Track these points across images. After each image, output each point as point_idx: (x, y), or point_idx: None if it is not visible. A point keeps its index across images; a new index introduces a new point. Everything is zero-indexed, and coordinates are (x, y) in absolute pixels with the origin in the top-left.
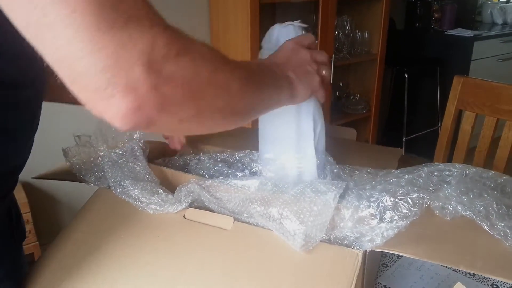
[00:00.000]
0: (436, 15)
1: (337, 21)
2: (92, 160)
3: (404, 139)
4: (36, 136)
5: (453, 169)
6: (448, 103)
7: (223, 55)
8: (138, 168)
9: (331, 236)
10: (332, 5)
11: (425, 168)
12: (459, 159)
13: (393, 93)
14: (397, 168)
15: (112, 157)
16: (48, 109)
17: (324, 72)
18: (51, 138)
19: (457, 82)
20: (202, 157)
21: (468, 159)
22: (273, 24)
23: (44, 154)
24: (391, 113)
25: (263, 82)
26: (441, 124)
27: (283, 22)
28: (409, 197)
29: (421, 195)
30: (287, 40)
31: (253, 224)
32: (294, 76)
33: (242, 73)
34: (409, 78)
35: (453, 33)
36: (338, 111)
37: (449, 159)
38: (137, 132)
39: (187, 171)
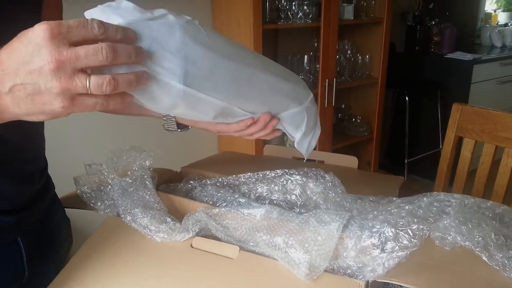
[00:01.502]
0: (435, 39)
1: (339, 45)
2: (102, 189)
3: (406, 161)
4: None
5: (452, 200)
6: (448, 130)
7: None
8: (147, 197)
9: (335, 266)
10: (334, 30)
11: (425, 199)
12: (459, 185)
13: (394, 116)
14: (398, 195)
15: (122, 186)
16: (58, 137)
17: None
18: (62, 166)
19: (456, 110)
20: (206, 182)
21: (469, 183)
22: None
23: (54, 181)
24: (393, 135)
25: None
26: (442, 146)
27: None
28: (409, 229)
29: (421, 226)
30: (40, 24)
31: (259, 253)
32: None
33: None
34: (410, 101)
35: (453, 57)
36: (340, 133)
37: (449, 184)
38: (147, 161)
39: (192, 197)
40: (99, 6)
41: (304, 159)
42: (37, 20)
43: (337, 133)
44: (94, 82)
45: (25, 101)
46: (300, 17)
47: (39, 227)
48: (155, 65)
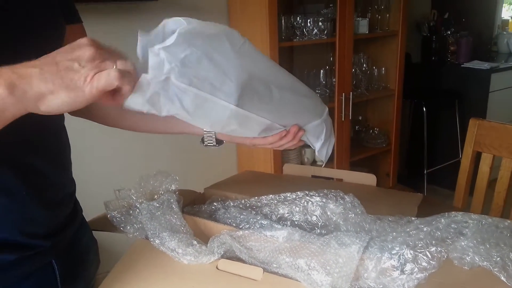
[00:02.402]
0: (452, 48)
1: (354, 58)
2: (131, 213)
3: (425, 171)
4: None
5: (470, 221)
6: (465, 145)
7: None
8: (174, 220)
9: (356, 287)
10: (349, 45)
11: (442, 220)
12: (479, 199)
13: (412, 126)
14: (417, 213)
15: (150, 210)
16: (88, 162)
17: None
18: (91, 190)
19: (473, 125)
20: (230, 204)
21: (489, 195)
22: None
23: (83, 205)
24: (411, 146)
25: None
26: (461, 159)
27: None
28: (428, 251)
29: (439, 248)
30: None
31: (282, 275)
32: (34, 69)
33: None
34: (427, 111)
35: (470, 66)
36: (358, 145)
37: (470, 194)
38: (173, 185)
39: (216, 219)
40: (178, 18)
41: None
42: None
43: (355, 145)
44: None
45: (54, 76)
46: (315, 33)
47: (70, 249)
48: (215, 90)
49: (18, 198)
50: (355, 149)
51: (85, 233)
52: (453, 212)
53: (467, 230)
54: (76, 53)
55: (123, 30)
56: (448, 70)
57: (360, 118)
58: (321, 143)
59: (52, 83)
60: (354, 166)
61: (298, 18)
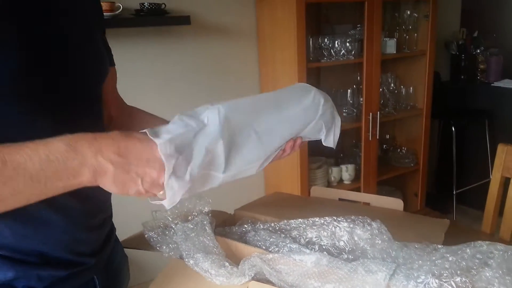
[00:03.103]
0: (481, 67)
1: (382, 78)
2: (166, 233)
3: (454, 192)
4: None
5: (495, 251)
6: (494, 170)
7: None
8: (207, 241)
9: None
10: (376, 65)
11: (468, 250)
12: (507, 225)
13: (441, 146)
14: (444, 238)
15: (185, 231)
16: None
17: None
18: (128, 210)
19: (502, 151)
20: (259, 227)
21: None
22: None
23: (120, 224)
24: (440, 166)
25: (29, 178)
26: (490, 185)
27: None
28: (453, 281)
29: (464, 279)
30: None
31: None
32: (111, 170)
33: None
34: (456, 130)
35: (500, 85)
36: (385, 164)
37: (498, 220)
38: (206, 207)
39: (246, 241)
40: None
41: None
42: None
43: (382, 164)
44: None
45: (121, 183)
46: (343, 54)
47: (108, 265)
48: (209, 168)
49: (72, 221)
50: (382, 168)
51: (118, 250)
52: (479, 242)
53: (492, 261)
54: (145, 169)
55: (157, 52)
56: (478, 89)
57: (388, 137)
58: (324, 134)
59: (117, 188)
60: (382, 185)
61: (325, 39)
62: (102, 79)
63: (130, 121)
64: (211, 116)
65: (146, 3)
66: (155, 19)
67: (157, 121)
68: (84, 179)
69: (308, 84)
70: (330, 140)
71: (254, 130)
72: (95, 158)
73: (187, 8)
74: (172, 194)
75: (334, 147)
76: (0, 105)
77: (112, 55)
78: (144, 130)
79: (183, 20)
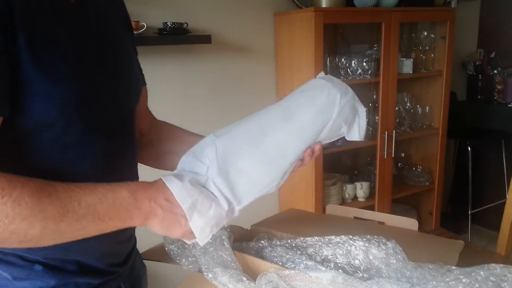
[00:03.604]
0: (498, 87)
1: (398, 97)
2: (186, 247)
3: (470, 212)
4: None
5: (508, 274)
6: (509, 192)
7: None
8: (225, 256)
9: None
10: (392, 85)
11: (481, 272)
12: None
13: (457, 165)
14: (459, 259)
15: (204, 245)
16: None
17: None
18: None
19: None
20: (276, 243)
21: None
22: None
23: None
24: (456, 185)
25: (93, 217)
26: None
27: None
28: None
29: None
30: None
31: None
32: (160, 212)
33: (50, 223)
34: (472, 151)
35: None
36: (400, 183)
37: None
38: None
39: (262, 257)
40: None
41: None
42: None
43: (397, 182)
44: None
45: (167, 226)
46: (360, 73)
47: (131, 273)
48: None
49: (109, 235)
50: (397, 186)
51: (138, 259)
52: (492, 264)
53: (506, 283)
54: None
55: (179, 69)
56: (495, 109)
57: (403, 155)
58: (346, 129)
59: (163, 229)
60: (396, 203)
61: (342, 58)
62: (138, 100)
63: (159, 136)
64: (211, 155)
65: (169, 22)
66: (177, 38)
67: (185, 136)
68: (138, 221)
69: (322, 79)
70: (355, 133)
71: (261, 153)
72: (149, 204)
73: (208, 27)
74: (200, 231)
75: (362, 139)
76: (53, 131)
77: (143, 75)
78: (160, 178)
79: (204, 39)
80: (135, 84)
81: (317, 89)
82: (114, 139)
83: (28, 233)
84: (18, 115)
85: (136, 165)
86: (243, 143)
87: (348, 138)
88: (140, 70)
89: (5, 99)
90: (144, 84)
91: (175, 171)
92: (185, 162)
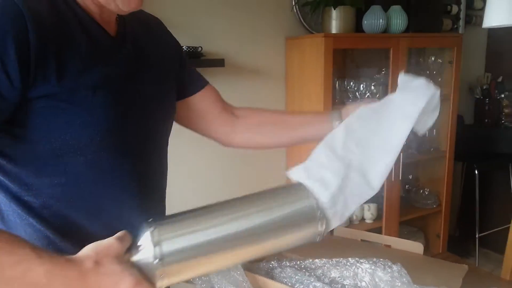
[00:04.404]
0: (506, 111)
1: None
2: None
3: (477, 235)
4: None
5: None
6: None
7: None
8: (237, 276)
9: None
10: None
11: None
12: None
13: (464, 188)
14: (464, 283)
15: None
16: None
17: None
18: None
19: None
20: (286, 264)
21: None
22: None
23: None
24: (463, 208)
25: None
26: (510, 228)
27: None
28: None
29: None
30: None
31: None
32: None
33: None
34: (480, 174)
35: None
36: (408, 205)
37: None
38: None
39: (272, 277)
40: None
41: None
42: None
43: (405, 205)
44: None
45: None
46: (368, 96)
47: None
48: None
49: None
50: (405, 208)
51: None
52: (503, 275)
53: None
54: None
55: None
56: (502, 133)
57: (411, 177)
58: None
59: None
60: (404, 225)
61: (351, 82)
62: (172, 117)
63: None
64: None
65: (184, 46)
66: (192, 61)
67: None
68: None
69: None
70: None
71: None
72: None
73: (222, 51)
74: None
75: (422, 132)
76: (85, 155)
77: (202, 77)
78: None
79: (218, 62)
80: (169, 111)
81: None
82: (142, 163)
83: None
84: (52, 138)
85: (165, 187)
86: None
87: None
88: (196, 75)
89: None
90: (203, 85)
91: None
92: None
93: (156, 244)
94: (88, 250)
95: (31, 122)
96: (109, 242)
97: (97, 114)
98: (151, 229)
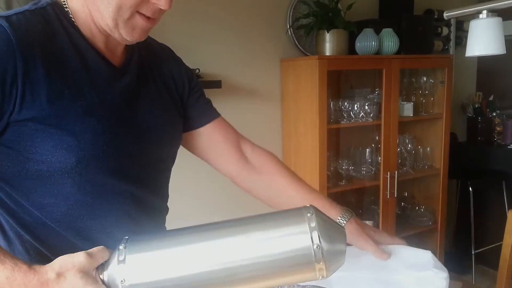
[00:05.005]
0: (498, 129)
1: (399, 139)
2: None
3: (473, 252)
4: None
5: None
6: (505, 236)
7: None
8: None
9: None
10: (394, 127)
11: None
12: None
13: (459, 205)
14: None
15: None
16: None
17: None
18: None
19: (511, 217)
20: None
21: None
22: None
23: None
24: (459, 225)
25: None
26: (502, 245)
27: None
28: None
29: None
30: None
31: None
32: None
33: None
34: (474, 191)
35: None
36: (403, 222)
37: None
38: None
39: None
40: None
41: None
42: None
43: (401, 221)
44: None
45: None
46: (362, 116)
47: None
48: None
49: None
50: (400, 226)
51: None
52: None
53: None
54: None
55: None
56: (495, 151)
57: (406, 195)
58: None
59: None
60: None
61: (345, 102)
62: (174, 144)
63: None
64: None
65: None
66: None
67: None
68: None
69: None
70: None
71: None
72: None
73: (219, 72)
74: None
75: None
76: (73, 177)
77: (214, 110)
78: None
79: (215, 84)
80: (172, 142)
81: None
82: (136, 186)
83: None
84: (40, 161)
85: (164, 211)
86: None
87: None
88: (207, 106)
89: None
90: (212, 119)
91: None
92: None
93: (120, 262)
94: (55, 261)
95: (17, 144)
96: (77, 256)
97: (84, 140)
98: (121, 246)
